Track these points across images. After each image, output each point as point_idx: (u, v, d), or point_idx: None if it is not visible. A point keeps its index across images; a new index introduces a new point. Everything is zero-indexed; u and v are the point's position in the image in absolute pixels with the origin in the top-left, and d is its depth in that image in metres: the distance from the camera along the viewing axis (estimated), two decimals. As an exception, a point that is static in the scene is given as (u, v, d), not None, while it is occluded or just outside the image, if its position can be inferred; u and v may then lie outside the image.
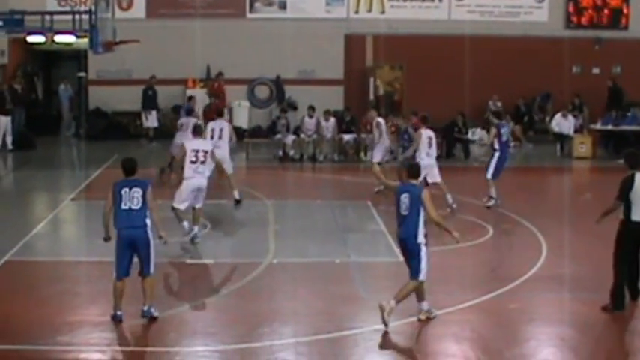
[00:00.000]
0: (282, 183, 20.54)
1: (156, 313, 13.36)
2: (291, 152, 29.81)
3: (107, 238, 13.65)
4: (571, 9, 35.18)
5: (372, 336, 13.23)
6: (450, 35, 33.41)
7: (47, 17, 26.16)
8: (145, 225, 13.34)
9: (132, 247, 13.33)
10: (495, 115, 24.51)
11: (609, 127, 31.49)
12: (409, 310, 14.14)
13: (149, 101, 33.15)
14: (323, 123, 30.08)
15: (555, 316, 14.43)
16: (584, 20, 35.33)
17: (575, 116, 32.37)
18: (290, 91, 33.96)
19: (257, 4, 34.53)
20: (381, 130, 23.86)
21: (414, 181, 13.83)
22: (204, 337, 13.24)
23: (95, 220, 15.73)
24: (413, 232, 13.38)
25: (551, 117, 32.57)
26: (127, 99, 33.32)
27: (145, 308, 13.33)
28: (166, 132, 32.99)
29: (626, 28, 35.34)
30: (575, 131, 31.65)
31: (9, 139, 30.48)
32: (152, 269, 13.35)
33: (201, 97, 31.92)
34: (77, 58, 34.80)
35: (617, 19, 35.38)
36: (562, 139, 31.43)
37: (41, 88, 37.28)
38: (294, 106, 33.20)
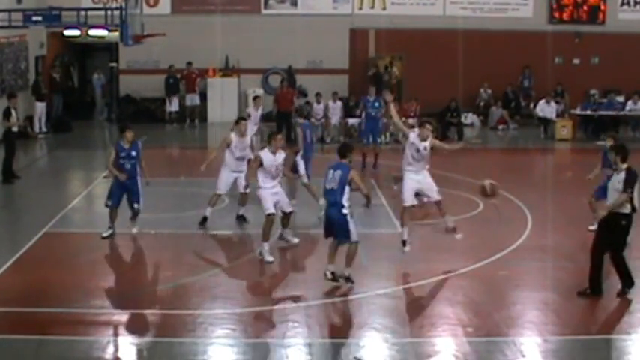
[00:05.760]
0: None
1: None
2: (302, 134, 29.70)
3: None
4: (554, 5, 34.96)
5: (374, 300, 13.21)
6: (444, 29, 33.23)
7: (82, 13, 26.06)
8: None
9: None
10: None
11: (588, 112, 31.35)
12: (407, 276, 14.09)
13: (170, 88, 33.18)
14: (331, 104, 30.06)
15: (539, 282, 14.39)
16: (565, 16, 35.08)
17: (557, 102, 32.23)
18: (301, 79, 33.85)
19: (271, 2, 34.36)
20: None
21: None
22: (223, 301, 13.20)
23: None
24: None
25: (536, 103, 32.45)
26: (154, 86, 33.24)
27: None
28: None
29: (603, 23, 35.10)
30: (558, 116, 31.53)
31: (43, 123, 30.47)
32: (353, 237, 13.39)
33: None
34: (109, 49, 34.70)
35: (595, 14, 35.10)
36: (546, 122, 31.31)
37: (77, 76, 37.22)
38: (304, 94, 33.09)
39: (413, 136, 15.44)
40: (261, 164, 15.18)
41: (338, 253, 13.68)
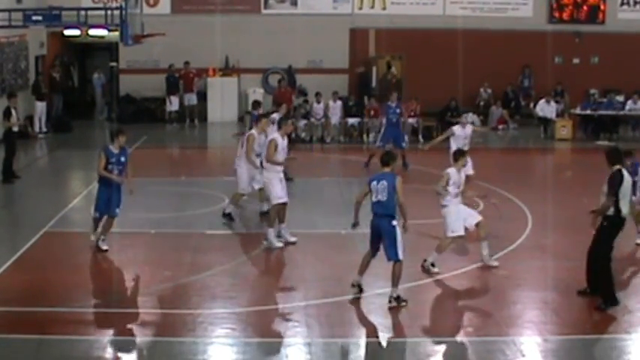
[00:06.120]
0: (294, 162, 20.19)
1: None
2: (302, 134, 29.79)
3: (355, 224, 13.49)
4: (553, 5, 34.95)
5: (374, 299, 13.19)
6: (444, 29, 33.22)
7: (82, 12, 26.06)
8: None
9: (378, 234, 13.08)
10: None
11: (588, 112, 31.35)
12: (407, 276, 14.07)
13: (171, 87, 33.15)
14: (331, 104, 30.13)
15: (539, 281, 14.39)
16: (565, 15, 35.08)
17: (557, 102, 32.24)
18: (301, 79, 33.85)
19: (271, 1, 34.34)
20: None
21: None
22: (223, 301, 13.20)
23: (125, 196, 15.72)
24: None
25: (536, 103, 32.46)
26: (154, 86, 33.23)
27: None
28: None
29: (603, 22, 35.10)
30: (557, 115, 31.53)
31: (43, 123, 30.48)
32: (399, 255, 12.79)
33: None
34: (109, 49, 34.75)
35: (595, 14, 35.11)
36: (545, 122, 31.31)
37: (77, 76, 37.22)
38: (304, 93, 33.09)
39: (454, 176, 14.77)
40: (276, 146, 16.00)
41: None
